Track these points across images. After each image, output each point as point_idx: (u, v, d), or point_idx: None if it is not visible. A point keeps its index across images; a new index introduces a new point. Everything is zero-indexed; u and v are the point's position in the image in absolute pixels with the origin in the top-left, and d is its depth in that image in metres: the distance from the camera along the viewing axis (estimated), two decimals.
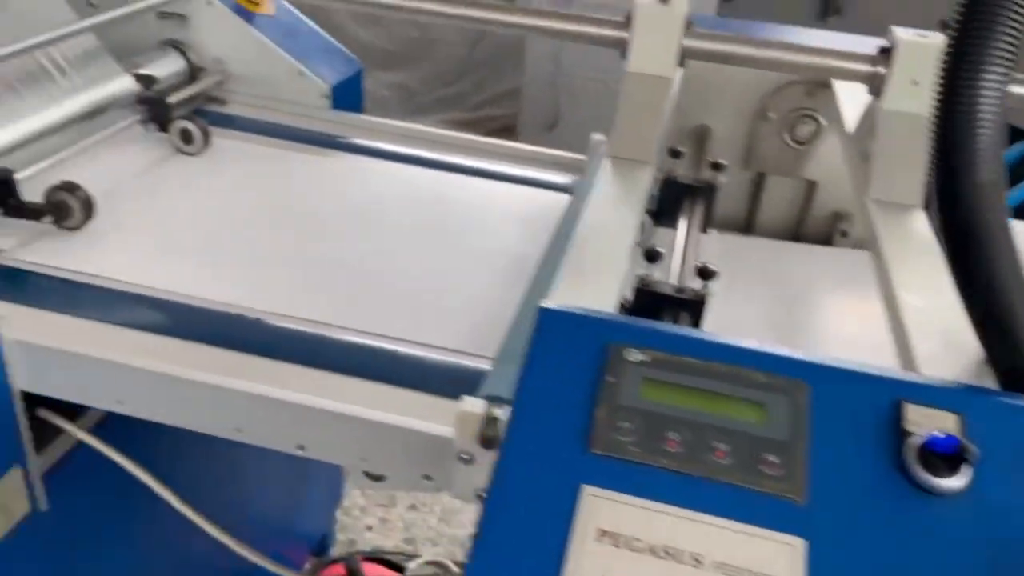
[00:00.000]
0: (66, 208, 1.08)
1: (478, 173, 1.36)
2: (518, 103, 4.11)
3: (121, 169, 1.26)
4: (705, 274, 0.89)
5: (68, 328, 0.91)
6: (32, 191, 1.09)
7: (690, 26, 1.01)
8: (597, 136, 1.35)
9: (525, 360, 0.63)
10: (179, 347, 0.89)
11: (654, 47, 0.98)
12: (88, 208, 1.09)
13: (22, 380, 0.90)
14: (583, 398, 0.60)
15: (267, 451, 0.90)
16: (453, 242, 1.17)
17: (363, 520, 2.18)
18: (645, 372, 0.61)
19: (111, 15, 1.32)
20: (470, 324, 1.00)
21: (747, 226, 1.45)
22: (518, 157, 1.40)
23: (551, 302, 0.67)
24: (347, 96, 1.55)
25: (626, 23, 1.01)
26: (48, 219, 1.07)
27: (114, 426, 1.03)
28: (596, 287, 0.75)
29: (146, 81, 1.34)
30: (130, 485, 1.01)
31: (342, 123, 1.47)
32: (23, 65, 1.22)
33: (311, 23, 1.59)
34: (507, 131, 4.05)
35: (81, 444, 1.03)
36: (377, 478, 0.89)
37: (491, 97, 4.20)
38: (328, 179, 1.32)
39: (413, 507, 2.23)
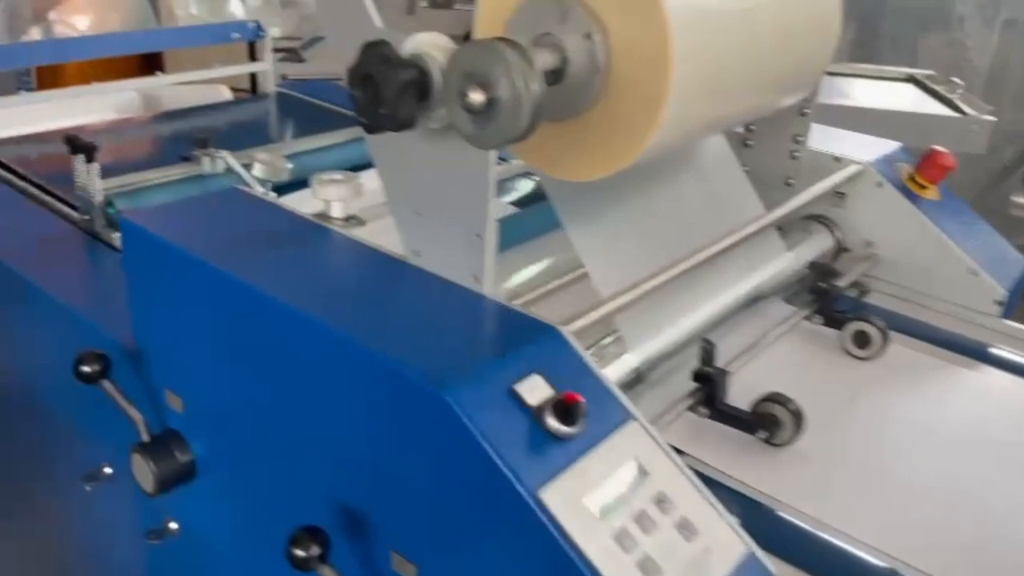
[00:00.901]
0: (777, 423, 0.97)
1: None
2: None
3: (799, 371, 1.13)
4: None
5: None
6: None
7: None
8: None
9: None
10: None
11: None
12: (799, 424, 0.97)
13: None
14: None
15: None
16: None
17: None
18: None
19: (801, 199, 1.23)
20: None
21: None
22: None
23: None
24: (1013, 302, 1.30)
25: None
26: (762, 434, 0.97)
27: None
28: None
29: (818, 270, 1.23)
30: None
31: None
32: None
33: (977, 215, 1.38)
34: None
35: None
36: None
37: None
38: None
39: None
